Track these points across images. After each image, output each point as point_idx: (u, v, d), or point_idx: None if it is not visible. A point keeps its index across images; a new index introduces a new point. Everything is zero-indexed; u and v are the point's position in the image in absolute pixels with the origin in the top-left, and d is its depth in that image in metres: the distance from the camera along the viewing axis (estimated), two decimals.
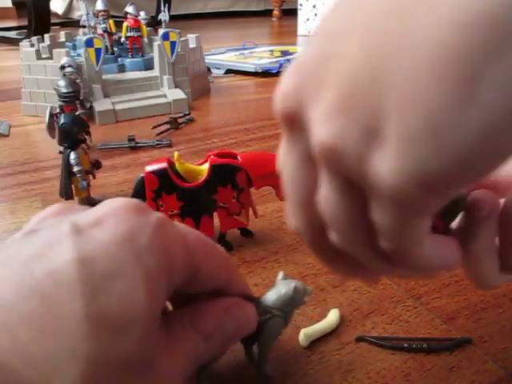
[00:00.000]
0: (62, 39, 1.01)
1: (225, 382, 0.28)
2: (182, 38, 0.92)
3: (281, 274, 0.27)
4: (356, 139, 0.14)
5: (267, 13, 3.06)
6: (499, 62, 0.11)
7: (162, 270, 0.18)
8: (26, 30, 1.67)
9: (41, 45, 0.87)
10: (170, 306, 0.24)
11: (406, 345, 0.30)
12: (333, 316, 0.32)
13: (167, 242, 0.19)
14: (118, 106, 0.81)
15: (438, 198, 0.14)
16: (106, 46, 0.89)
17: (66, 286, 0.16)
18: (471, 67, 0.12)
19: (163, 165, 0.38)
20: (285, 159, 0.18)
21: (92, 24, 0.85)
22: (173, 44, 0.86)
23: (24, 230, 0.20)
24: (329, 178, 0.16)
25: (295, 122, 0.16)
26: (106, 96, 0.83)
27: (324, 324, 0.32)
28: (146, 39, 0.99)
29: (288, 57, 1.31)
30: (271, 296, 0.26)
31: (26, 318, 0.15)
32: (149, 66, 0.94)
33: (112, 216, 0.18)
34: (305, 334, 0.30)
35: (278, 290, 0.26)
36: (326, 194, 0.16)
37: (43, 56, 0.84)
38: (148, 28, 1.02)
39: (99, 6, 0.92)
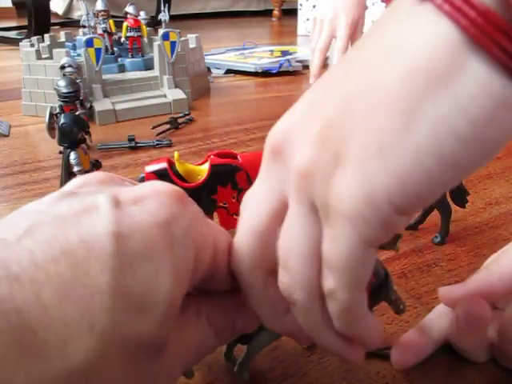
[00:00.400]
0: (62, 39, 1.00)
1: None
2: (182, 38, 0.92)
3: None
4: (325, 163, 0.17)
5: (267, 13, 3.06)
6: (431, 102, 0.15)
7: (189, 262, 0.18)
8: (26, 30, 1.66)
9: (41, 45, 0.87)
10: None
11: None
12: None
13: (200, 237, 0.19)
14: (118, 106, 0.81)
15: (386, 220, 0.16)
16: (106, 46, 0.89)
17: (98, 256, 0.16)
18: (410, 103, 0.15)
19: (163, 165, 0.38)
20: (256, 188, 0.21)
21: (92, 24, 0.85)
22: (173, 44, 0.86)
23: (63, 189, 0.20)
24: (296, 204, 0.18)
25: (279, 152, 0.19)
26: (105, 96, 0.83)
27: None
28: (146, 39, 0.99)
29: (288, 57, 1.31)
30: None
31: (52, 280, 0.15)
32: (149, 65, 0.94)
33: (154, 198, 0.18)
34: None
35: None
36: (289, 223, 0.19)
37: (43, 56, 0.84)
38: (148, 28, 1.02)
39: (99, 5, 0.92)
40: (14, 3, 2.95)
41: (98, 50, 0.79)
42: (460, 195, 0.41)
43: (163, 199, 0.18)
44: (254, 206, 0.21)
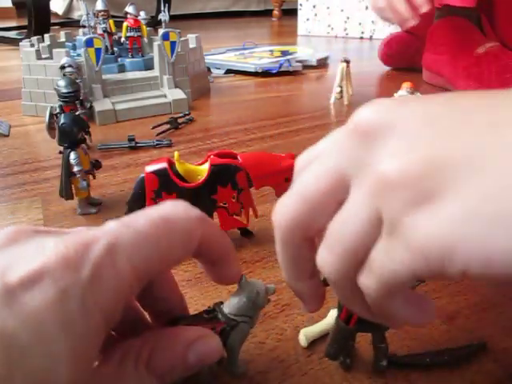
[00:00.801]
0: (62, 39, 1.00)
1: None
2: (182, 38, 0.92)
3: (243, 278, 0.26)
4: (419, 189, 0.16)
5: (267, 13, 3.06)
6: None
7: (93, 330, 0.18)
8: (26, 30, 1.66)
9: (41, 45, 0.87)
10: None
11: (428, 360, 0.29)
12: (333, 316, 0.32)
13: (101, 291, 0.18)
14: (118, 106, 0.81)
15: (446, 273, 0.16)
16: (106, 46, 0.89)
17: None
18: None
19: (163, 165, 0.38)
20: (322, 152, 0.22)
21: (92, 24, 0.85)
22: (173, 44, 0.86)
23: None
24: (362, 199, 0.18)
25: (369, 135, 0.18)
26: (105, 96, 0.83)
27: (323, 324, 0.31)
28: (146, 39, 0.99)
29: (288, 57, 1.31)
30: (233, 302, 0.26)
31: None
32: (149, 65, 0.94)
33: (44, 276, 0.17)
34: (305, 334, 0.30)
35: (240, 296, 0.26)
36: (349, 213, 0.19)
37: (43, 56, 0.84)
38: (148, 28, 1.02)
39: (99, 5, 0.92)
40: (13, 3, 2.95)
41: (97, 50, 0.79)
42: None
43: (53, 273, 0.17)
44: (314, 172, 0.20)
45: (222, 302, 0.26)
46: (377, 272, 0.18)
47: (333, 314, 0.32)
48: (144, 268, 0.20)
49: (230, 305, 0.26)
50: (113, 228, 0.20)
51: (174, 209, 0.22)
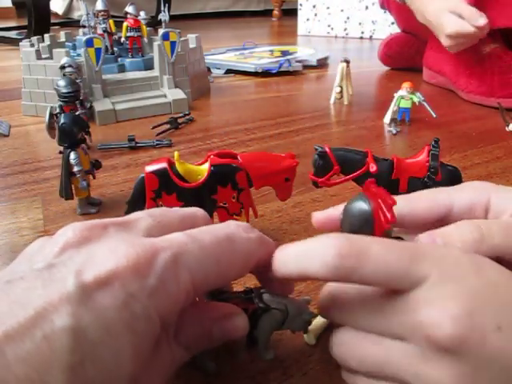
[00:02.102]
0: (62, 39, 1.00)
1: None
2: (182, 38, 0.92)
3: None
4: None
5: (267, 13, 3.06)
6: None
7: (152, 333, 0.20)
8: (26, 30, 1.66)
9: (41, 45, 0.87)
10: None
11: None
12: None
13: (163, 299, 0.20)
14: (118, 106, 0.81)
15: None
16: (106, 46, 0.89)
17: (58, 355, 0.17)
18: None
19: (163, 165, 0.38)
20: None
21: (92, 24, 0.85)
22: (173, 44, 0.86)
23: (39, 257, 0.21)
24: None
25: (456, 346, 0.20)
26: (105, 96, 0.83)
27: (322, 318, 0.32)
28: (146, 39, 0.99)
29: (288, 57, 1.31)
30: (274, 294, 0.27)
31: (21, 382, 0.16)
32: (149, 65, 0.94)
33: (115, 278, 0.19)
34: (311, 331, 0.30)
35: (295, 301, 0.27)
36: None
37: (43, 56, 0.84)
38: (148, 28, 1.02)
39: (99, 5, 0.92)
40: (13, 3, 2.95)
41: (97, 50, 0.79)
42: None
43: (124, 278, 0.19)
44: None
45: (262, 288, 0.27)
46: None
47: None
48: (202, 282, 0.22)
49: (271, 294, 0.26)
50: (180, 239, 0.22)
51: (237, 229, 0.24)
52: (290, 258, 0.23)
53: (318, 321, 0.31)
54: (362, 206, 0.26)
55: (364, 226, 0.25)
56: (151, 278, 0.20)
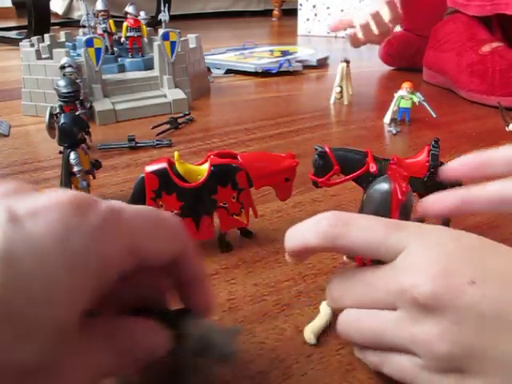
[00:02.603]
0: (62, 39, 1.00)
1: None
2: (182, 38, 0.92)
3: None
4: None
5: (267, 13, 3.06)
6: None
7: (89, 276, 0.18)
8: (26, 30, 1.66)
9: (41, 45, 0.87)
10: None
11: None
12: (326, 308, 0.33)
13: (107, 244, 0.19)
14: (118, 106, 0.81)
15: None
16: (106, 46, 0.89)
17: None
18: None
19: (163, 165, 0.38)
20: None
21: (92, 24, 0.85)
22: (173, 44, 0.86)
23: None
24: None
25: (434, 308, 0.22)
26: (105, 96, 0.83)
27: (322, 316, 0.32)
28: (146, 39, 0.99)
29: (288, 57, 1.31)
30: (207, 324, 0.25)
31: None
32: (149, 65, 0.94)
33: (52, 210, 0.17)
34: (312, 331, 0.31)
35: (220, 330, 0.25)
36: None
37: (43, 56, 0.84)
38: (148, 28, 1.02)
39: (99, 5, 0.92)
40: (13, 3, 2.95)
41: (97, 50, 0.79)
42: None
43: (62, 210, 0.18)
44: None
45: (187, 311, 0.25)
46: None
47: (325, 305, 0.33)
48: (138, 243, 0.20)
49: (194, 319, 0.24)
50: (116, 202, 0.21)
51: (163, 211, 0.23)
52: (294, 234, 0.27)
53: (318, 321, 0.32)
54: (382, 182, 0.30)
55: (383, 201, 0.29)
56: (93, 217, 0.18)
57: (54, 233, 0.17)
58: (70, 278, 0.17)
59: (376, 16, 0.90)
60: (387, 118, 0.79)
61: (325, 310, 0.33)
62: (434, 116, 0.75)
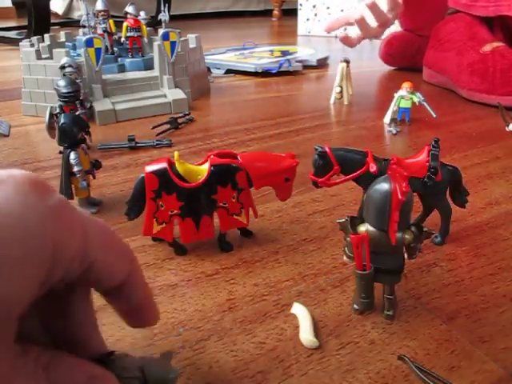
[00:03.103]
0: (62, 39, 1.00)
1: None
2: (182, 38, 0.92)
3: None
4: None
5: (267, 13, 3.06)
6: None
7: (44, 260, 0.16)
8: (26, 30, 1.66)
9: (41, 45, 0.87)
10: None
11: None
12: (302, 309, 0.33)
13: (61, 229, 0.17)
14: (118, 106, 0.81)
15: None
16: (106, 46, 0.89)
17: None
18: None
19: (163, 165, 0.38)
20: None
21: (92, 24, 0.85)
22: (173, 44, 0.86)
23: None
24: None
25: None
26: (105, 96, 0.83)
27: (305, 317, 0.32)
28: (146, 39, 0.99)
29: (288, 57, 1.31)
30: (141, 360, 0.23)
31: None
32: (149, 65, 0.94)
33: (8, 185, 0.16)
34: (312, 335, 0.31)
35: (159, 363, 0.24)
36: None
37: (43, 56, 0.84)
38: (148, 28, 1.02)
39: (99, 5, 0.92)
40: (13, 3, 2.95)
41: (97, 50, 0.79)
42: (460, 195, 0.41)
43: (18, 187, 0.16)
44: None
45: (121, 353, 0.23)
46: None
47: (296, 305, 0.34)
48: (90, 248, 0.19)
49: (127, 359, 0.23)
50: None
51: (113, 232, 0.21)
52: None
53: (307, 323, 0.32)
54: (382, 182, 0.30)
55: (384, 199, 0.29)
56: (50, 200, 0.17)
57: (9, 206, 0.16)
58: (25, 254, 0.15)
59: (373, 7, 0.88)
60: (387, 118, 0.79)
61: (301, 311, 0.33)
62: (434, 116, 0.75)
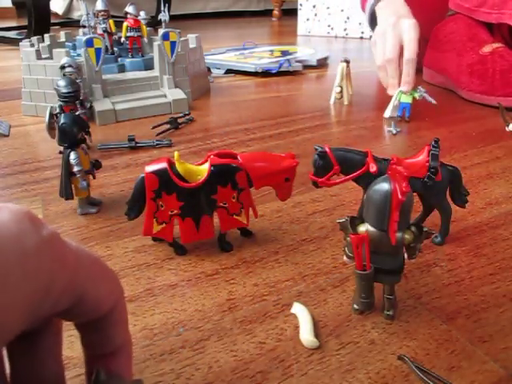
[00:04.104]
0: (62, 39, 1.01)
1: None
2: (182, 38, 0.92)
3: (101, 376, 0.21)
4: None
5: (267, 13, 3.06)
6: None
7: (40, 285, 0.16)
8: (26, 30, 1.66)
9: (41, 45, 0.87)
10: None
11: None
12: (302, 309, 0.33)
13: (52, 259, 0.17)
14: (118, 106, 0.81)
15: None
16: (106, 46, 0.89)
17: None
18: None
19: (163, 165, 0.38)
20: None
21: (92, 24, 0.85)
22: (173, 44, 0.86)
23: None
24: None
25: None
26: (105, 96, 0.83)
27: (307, 318, 0.32)
28: (146, 39, 0.99)
29: (288, 57, 1.31)
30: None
31: None
32: (149, 65, 0.94)
33: (5, 212, 0.17)
34: (312, 335, 0.31)
35: None
36: None
37: (43, 56, 0.84)
38: (148, 28, 1.02)
39: (99, 5, 0.92)
40: (13, 3, 2.95)
41: (97, 50, 0.79)
42: (460, 195, 0.41)
43: (13, 215, 0.17)
44: None
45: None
46: None
47: (296, 305, 0.34)
48: (80, 280, 0.19)
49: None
50: None
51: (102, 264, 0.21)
52: None
53: (307, 323, 0.32)
54: (382, 182, 0.30)
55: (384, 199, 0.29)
56: (45, 231, 0.17)
57: (5, 230, 0.16)
58: (21, 278, 0.15)
59: (391, 62, 0.82)
60: (387, 113, 0.79)
61: (301, 310, 0.33)
62: (434, 102, 0.76)
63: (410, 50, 0.79)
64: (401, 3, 0.88)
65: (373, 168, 0.38)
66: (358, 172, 0.39)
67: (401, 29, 0.81)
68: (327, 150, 0.39)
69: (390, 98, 0.79)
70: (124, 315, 0.22)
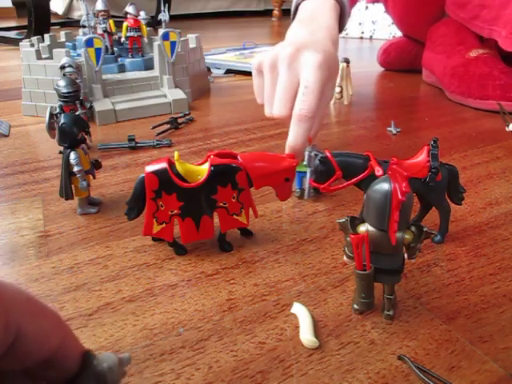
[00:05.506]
0: (62, 39, 1.00)
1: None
2: (182, 38, 0.92)
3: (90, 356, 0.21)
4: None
5: (267, 13, 3.06)
6: None
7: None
8: (26, 30, 1.66)
9: (41, 45, 0.87)
10: None
11: None
12: (302, 309, 0.33)
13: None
14: (118, 106, 0.81)
15: None
16: (106, 46, 0.89)
17: None
18: None
19: (163, 165, 0.38)
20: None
21: (92, 24, 0.85)
22: (173, 44, 0.86)
23: None
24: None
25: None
26: (105, 96, 0.83)
27: (307, 318, 0.32)
28: (146, 39, 0.99)
29: None
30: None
31: None
32: (149, 65, 0.94)
33: None
34: (311, 335, 0.31)
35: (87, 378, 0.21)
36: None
37: (43, 56, 0.84)
38: (148, 28, 1.02)
39: (99, 5, 0.92)
40: (13, 3, 2.95)
41: (97, 50, 0.79)
42: (457, 193, 0.41)
43: None
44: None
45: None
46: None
47: (296, 305, 0.34)
48: (16, 318, 0.18)
49: None
50: None
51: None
52: None
53: (307, 323, 0.32)
54: (382, 183, 0.30)
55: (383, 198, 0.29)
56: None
57: None
58: None
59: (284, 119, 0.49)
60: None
61: (301, 310, 0.33)
62: None
63: (302, 105, 0.47)
64: (330, 20, 0.58)
65: (379, 172, 0.38)
66: (360, 176, 0.39)
67: (299, 68, 0.49)
68: (328, 155, 0.39)
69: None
70: (77, 347, 0.20)
